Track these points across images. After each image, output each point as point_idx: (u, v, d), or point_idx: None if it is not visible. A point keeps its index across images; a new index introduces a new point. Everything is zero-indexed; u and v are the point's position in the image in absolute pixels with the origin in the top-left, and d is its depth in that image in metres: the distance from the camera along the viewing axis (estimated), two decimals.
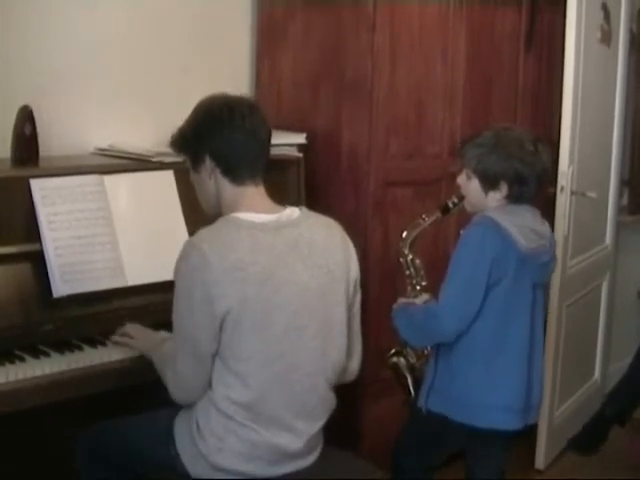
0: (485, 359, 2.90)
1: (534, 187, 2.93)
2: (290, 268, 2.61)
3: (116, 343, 2.96)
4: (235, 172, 2.67)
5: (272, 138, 2.78)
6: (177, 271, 2.58)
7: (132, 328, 2.98)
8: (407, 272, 3.21)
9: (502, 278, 2.86)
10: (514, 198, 2.93)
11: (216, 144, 2.65)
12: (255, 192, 2.70)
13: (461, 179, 3.02)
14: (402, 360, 3.22)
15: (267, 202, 2.72)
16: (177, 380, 2.64)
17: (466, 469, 3.20)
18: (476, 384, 2.90)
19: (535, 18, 4.36)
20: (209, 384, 2.61)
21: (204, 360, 2.58)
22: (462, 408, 2.92)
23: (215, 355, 2.58)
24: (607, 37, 4.54)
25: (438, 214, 3.18)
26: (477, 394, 2.90)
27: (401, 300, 3.13)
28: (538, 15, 4.38)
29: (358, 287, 2.82)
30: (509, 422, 2.94)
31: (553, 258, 3.06)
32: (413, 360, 3.22)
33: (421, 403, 3.03)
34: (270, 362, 2.58)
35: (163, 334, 2.88)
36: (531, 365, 2.96)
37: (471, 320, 2.86)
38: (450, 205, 3.14)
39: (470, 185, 2.99)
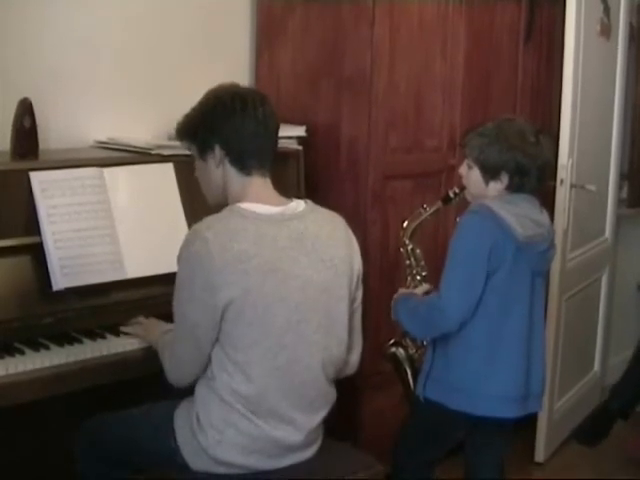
0: (483, 347, 2.90)
1: (535, 179, 2.94)
2: (293, 261, 2.61)
3: (127, 333, 2.98)
4: (244, 162, 2.67)
5: None
6: (180, 258, 2.59)
7: (147, 322, 3.01)
8: (407, 262, 3.22)
9: (500, 266, 2.86)
10: (514, 189, 2.94)
11: (227, 133, 2.64)
12: (262, 183, 2.70)
13: (462, 169, 3.03)
14: (401, 351, 3.23)
15: (273, 194, 2.72)
16: (173, 362, 2.67)
17: (465, 463, 3.20)
18: (473, 372, 2.91)
19: (534, 12, 4.36)
20: (210, 373, 2.62)
21: (202, 347, 2.59)
22: (460, 396, 2.92)
23: (215, 342, 2.59)
24: (607, 30, 4.54)
25: (439, 204, 3.19)
26: (475, 382, 2.90)
27: (401, 290, 3.14)
28: (537, 9, 4.38)
29: (360, 282, 2.82)
30: (507, 410, 2.95)
31: (552, 246, 3.06)
32: (412, 351, 3.22)
33: (419, 391, 3.04)
34: (271, 355, 2.59)
35: (169, 325, 2.87)
36: (530, 353, 2.97)
37: (474, 308, 2.87)
38: (451, 195, 3.15)
39: (471, 175, 2.99)
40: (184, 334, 2.61)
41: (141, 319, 3.02)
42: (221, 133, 2.65)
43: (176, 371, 2.68)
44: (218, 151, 2.66)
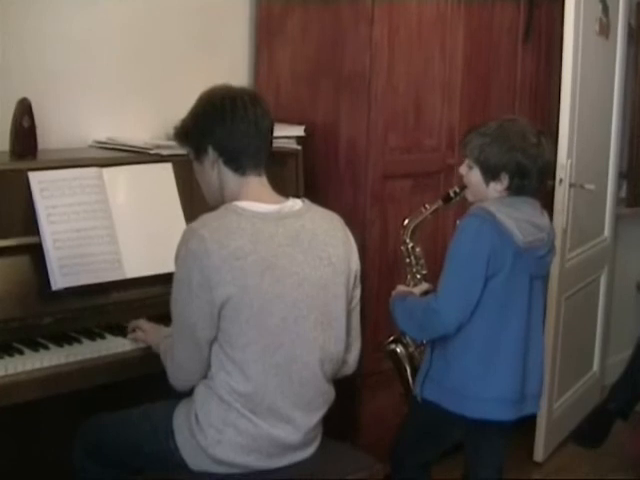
0: (480, 350, 2.90)
1: (536, 180, 2.93)
2: (290, 259, 2.62)
3: (132, 339, 2.97)
4: (238, 162, 2.68)
5: None
6: (176, 256, 2.60)
7: (143, 323, 3.01)
8: (407, 260, 3.21)
9: (498, 271, 2.85)
10: (515, 190, 2.93)
11: (218, 134, 2.67)
12: (257, 182, 2.71)
13: (463, 168, 3.02)
14: (401, 348, 3.22)
15: (270, 192, 2.73)
16: (175, 365, 2.67)
17: (465, 463, 3.20)
18: (471, 375, 2.90)
19: (533, 11, 4.36)
20: (209, 372, 2.63)
21: (201, 346, 2.60)
22: (457, 398, 2.92)
23: (213, 341, 2.60)
24: (605, 30, 4.54)
25: (440, 203, 3.18)
26: (472, 385, 2.90)
27: (400, 287, 3.13)
28: (536, 8, 4.38)
29: (358, 281, 2.82)
30: (503, 413, 2.94)
31: (552, 250, 3.04)
32: (412, 348, 3.22)
33: (417, 392, 3.04)
34: (269, 352, 2.59)
35: (168, 329, 2.88)
36: (528, 356, 2.96)
37: (471, 312, 2.87)
38: (452, 194, 3.14)
39: (471, 175, 2.98)
40: (183, 334, 2.61)
41: (142, 322, 3.01)
42: (212, 135, 2.68)
43: (178, 374, 2.68)
44: (211, 153, 2.69)
